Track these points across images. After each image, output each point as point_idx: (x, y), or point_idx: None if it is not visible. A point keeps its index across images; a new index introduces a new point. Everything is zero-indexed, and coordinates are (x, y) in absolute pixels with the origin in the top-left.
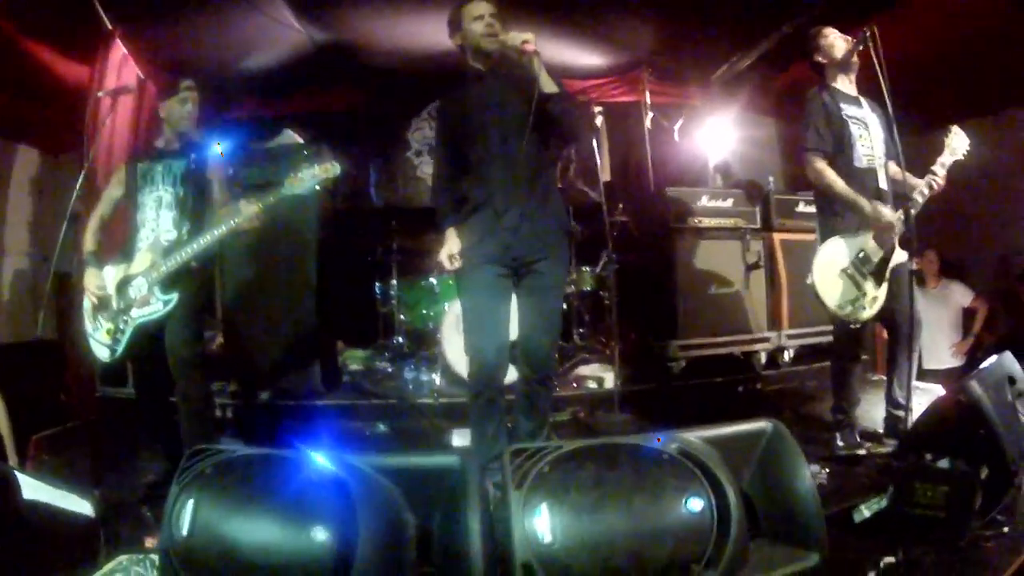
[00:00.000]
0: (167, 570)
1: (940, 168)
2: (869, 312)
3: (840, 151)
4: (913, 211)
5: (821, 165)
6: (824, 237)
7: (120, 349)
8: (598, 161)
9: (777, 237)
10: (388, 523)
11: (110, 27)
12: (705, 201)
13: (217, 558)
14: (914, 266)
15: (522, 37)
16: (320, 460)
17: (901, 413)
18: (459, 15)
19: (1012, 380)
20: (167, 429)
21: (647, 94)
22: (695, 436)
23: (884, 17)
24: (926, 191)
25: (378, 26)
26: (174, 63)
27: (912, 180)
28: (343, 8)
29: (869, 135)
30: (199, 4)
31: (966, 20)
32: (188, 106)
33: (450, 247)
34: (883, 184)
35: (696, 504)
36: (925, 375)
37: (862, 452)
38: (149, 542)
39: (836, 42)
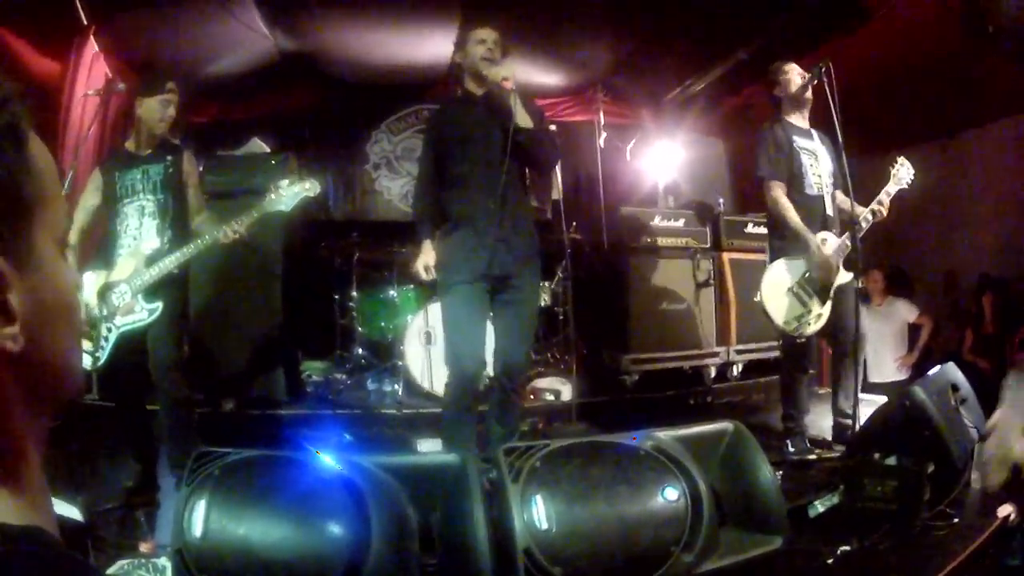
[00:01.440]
0: (181, 572)
1: (885, 196)
2: (814, 327)
3: (792, 179)
4: (859, 235)
5: (777, 192)
6: (773, 257)
7: (104, 356)
8: (551, 179)
9: (726, 256)
10: (395, 518)
11: (86, 22)
12: (657, 221)
13: (232, 557)
14: (859, 284)
15: (503, 73)
16: (326, 459)
17: (847, 421)
18: (466, 37)
19: (955, 387)
20: (143, 436)
21: (601, 114)
22: (666, 435)
23: (837, 43)
24: (870, 218)
25: (344, 38)
26: (145, 62)
27: (858, 208)
28: (312, 18)
29: (818, 165)
30: (176, 2)
31: (916, 46)
32: (170, 109)
33: (426, 258)
34: (830, 211)
35: (672, 494)
36: (871, 388)
37: (812, 457)
38: (144, 546)
39: (794, 78)
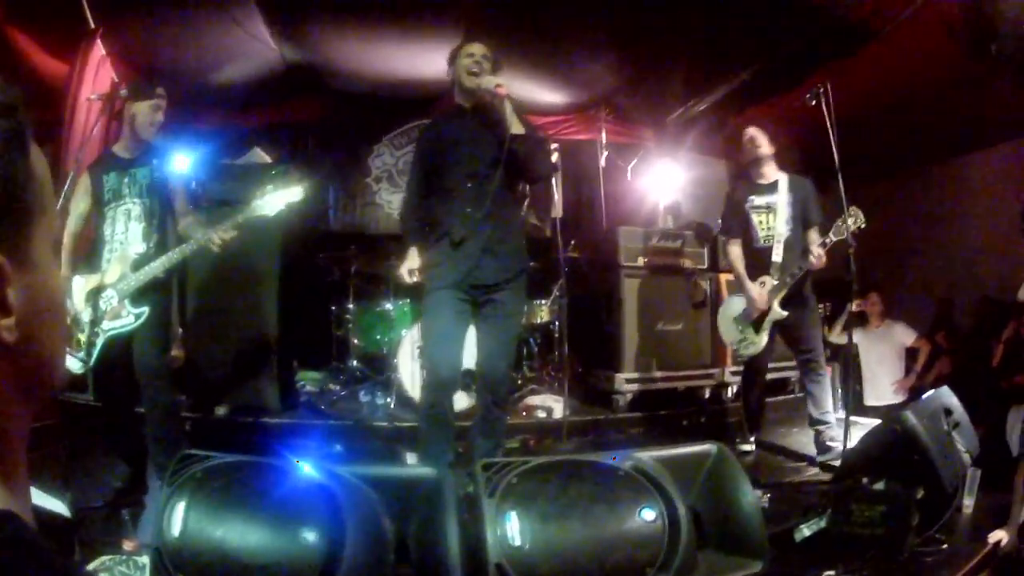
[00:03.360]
0: (158, 568)
1: (820, 248)
2: (752, 351)
3: (744, 235)
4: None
5: (729, 247)
6: (731, 294)
7: (92, 360)
8: (553, 197)
9: (723, 277)
10: (371, 527)
11: (93, 25)
12: (655, 241)
13: (208, 557)
14: (854, 307)
15: (495, 81)
16: (306, 468)
17: (822, 427)
18: (456, 52)
19: (948, 411)
20: (131, 437)
21: (603, 133)
22: (647, 456)
23: (837, 66)
24: (804, 265)
25: (349, 52)
26: (151, 67)
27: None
28: (317, 31)
29: (771, 219)
30: (182, 9)
31: (918, 69)
32: (159, 114)
33: (411, 263)
34: (776, 258)
35: (649, 515)
36: (867, 411)
37: (748, 448)
38: (128, 544)
39: (746, 144)
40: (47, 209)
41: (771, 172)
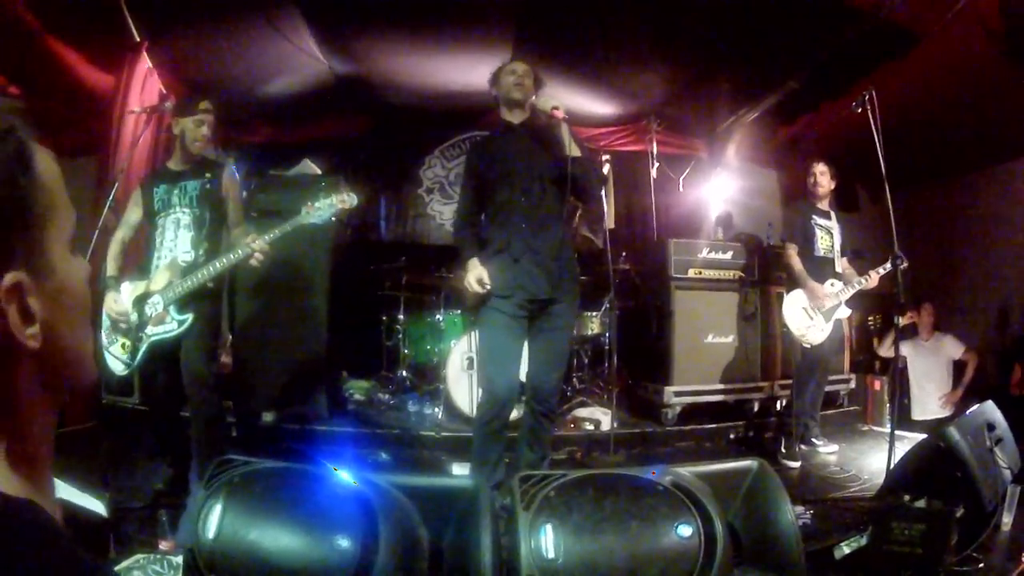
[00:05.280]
0: (191, 568)
1: (875, 274)
2: (820, 337)
3: (807, 244)
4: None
5: (790, 251)
6: (789, 289)
7: (135, 364)
8: (604, 209)
9: (773, 290)
10: (405, 536)
11: (138, 39)
12: (706, 253)
13: (241, 560)
14: (904, 320)
15: (552, 103)
16: (343, 475)
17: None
18: (499, 71)
19: (991, 426)
20: (175, 441)
21: (654, 144)
22: (687, 471)
23: (881, 74)
24: (859, 285)
25: (398, 64)
26: (198, 80)
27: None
28: (366, 43)
29: (830, 239)
30: (228, 23)
31: (956, 75)
32: (204, 128)
33: (476, 272)
34: (839, 268)
35: (686, 531)
36: (913, 425)
37: (794, 464)
38: (164, 544)
39: (819, 178)
40: (59, 210)
41: (827, 203)
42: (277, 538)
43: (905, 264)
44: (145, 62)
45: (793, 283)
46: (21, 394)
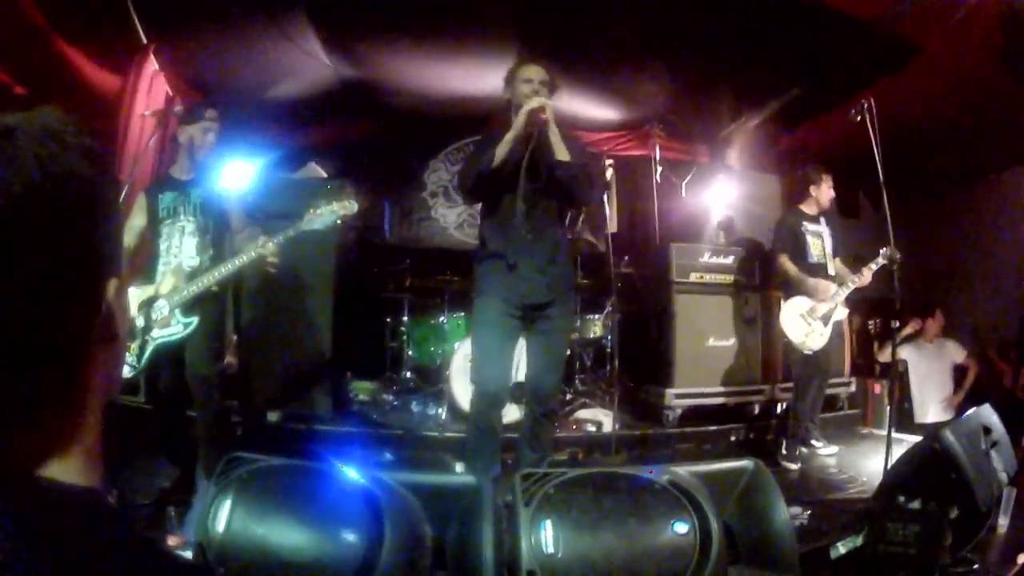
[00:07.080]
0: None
1: (867, 271)
2: (820, 342)
3: (799, 252)
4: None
5: (781, 259)
6: (787, 296)
7: (140, 365)
8: (606, 213)
9: (774, 293)
10: (410, 532)
11: (145, 40)
12: (707, 257)
13: (250, 554)
14: (911, 328)
15: (537, 103)
16: (350, 472)
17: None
18: (514, 74)
19: (987, 430)
20: (180, 440)
21: (657, 149)
22: (684, 470)
23: (882, 84)
24: (853, 283)
25: (403, 68)
26: (204, 83)
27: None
28: (371, 47)
29: (820, 243)
30: (235, 26)
31: (960, 84)
32: (210, 136)
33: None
34: (832, 272)
35: (682, 528)
36: (915, 429)
37: (794, 466)
38: (172, 540)
39: (829, 191)
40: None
41: (816, 208)
42: (285, 533)
43: (899, 256)
44: (152, 64)
45: (790, 291)
46: (95, 391)
